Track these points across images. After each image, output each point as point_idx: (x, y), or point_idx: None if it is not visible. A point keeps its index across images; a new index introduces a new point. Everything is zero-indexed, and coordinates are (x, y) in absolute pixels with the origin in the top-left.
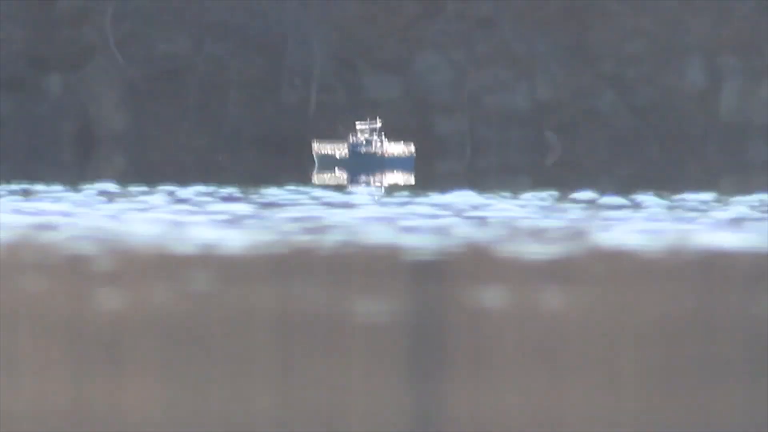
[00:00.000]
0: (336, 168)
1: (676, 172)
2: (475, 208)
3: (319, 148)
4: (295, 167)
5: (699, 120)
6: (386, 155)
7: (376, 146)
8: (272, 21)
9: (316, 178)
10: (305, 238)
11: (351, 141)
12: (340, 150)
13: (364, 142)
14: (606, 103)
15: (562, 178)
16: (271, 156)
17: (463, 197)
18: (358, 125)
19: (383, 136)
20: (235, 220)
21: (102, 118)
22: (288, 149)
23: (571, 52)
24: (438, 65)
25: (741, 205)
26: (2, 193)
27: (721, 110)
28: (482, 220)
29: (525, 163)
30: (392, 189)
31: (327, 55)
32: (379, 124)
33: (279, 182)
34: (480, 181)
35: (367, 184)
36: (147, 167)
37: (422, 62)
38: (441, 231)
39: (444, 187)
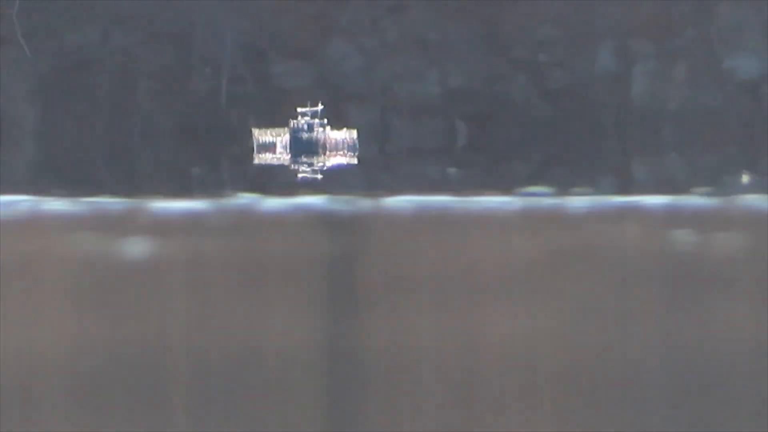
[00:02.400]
0: (276, 153)
1: (586, 157)
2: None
3: (259, 134)
4: (209, 158)
5: (611, 104)
6: (329, 140)
7: (318, 131)
8: (181, 10)
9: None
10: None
11: (292, 126)
12: (280, 135)
13: (305, 127)
14: (518, 89)
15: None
16: (185, 147)
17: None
18: (299, 110)
19: (325, 121)
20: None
21: (10, 111)
22: (200, 140)
23: (483, 38)
24: (349, 53)
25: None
26: None
27: (633, 94)
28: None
29: (436, 151)
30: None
31: (237, 44)
32: (320, 108)
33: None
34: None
35: (310, 166)
36: (60, 160)
37: (333, 50)
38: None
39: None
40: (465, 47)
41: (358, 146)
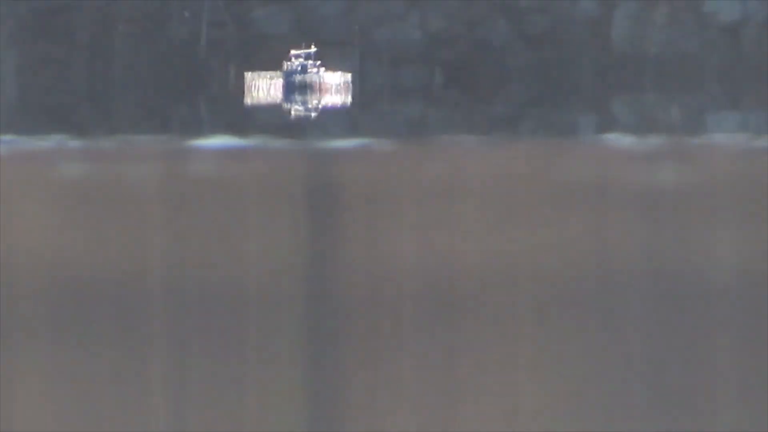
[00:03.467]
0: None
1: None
2: None
3: (252, 78)
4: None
5: (592, 48)
6: (323, 83)
7: (312, 73)
8: None
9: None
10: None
11: (286, 68)
12: (274, 78)
13: (299, 69)
14: (499, 34)
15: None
16: (165, 90)
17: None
18: (293, 52)
19: (318, 63)
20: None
21: None
22: (180, 87)
23: None
24: None
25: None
26: None
27: (613, 37)
28: None
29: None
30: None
31: None
32: (314, 50)
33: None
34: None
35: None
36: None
37: None
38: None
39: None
40: None
41: (351, 88)
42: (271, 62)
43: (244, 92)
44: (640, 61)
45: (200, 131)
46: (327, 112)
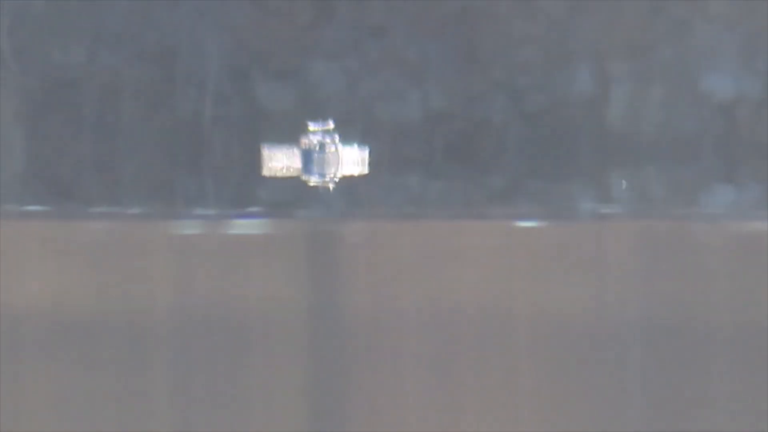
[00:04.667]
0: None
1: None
2: None
3: (268, 154)
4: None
5: (588, 126)
6: (341, 160)
7: (330, 150)
8: (166, 29)
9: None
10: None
11: (303, 145)
12: (291, 155)
13: (317, 146)
14: (498, 111)
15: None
16: (170, 167)
17: None
18: (311, 126)
19: (337, 139)
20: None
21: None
22: (184, 160)
23: (463, 59)
24: (330, 74)
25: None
26: None
27: (610, 115)
28: None
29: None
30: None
31: (221, 64)
32: (332, 125)
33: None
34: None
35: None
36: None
37: (315, 71)
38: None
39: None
40: (445, 68)
41: (368, 162)
42: (275, 136)
43: (250, 165)
44: (636, 139)
45: (205, 203)
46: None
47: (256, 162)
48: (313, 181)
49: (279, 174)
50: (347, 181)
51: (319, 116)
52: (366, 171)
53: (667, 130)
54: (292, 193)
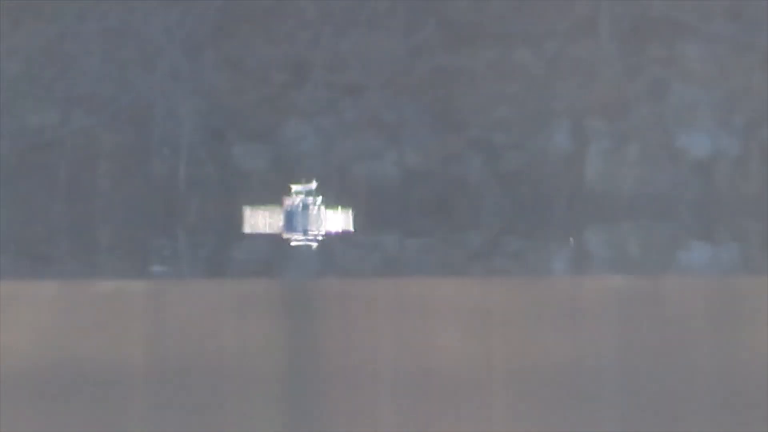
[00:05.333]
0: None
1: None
2: None
3: (251, 215)
4: (168, 240)
5: (565, 184)
6: (323, 220)
7: (313, 212)
8: (141, 91)
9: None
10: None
11: (286, 207)
12: (273, 218)
13: (301, 207)
14: (474, 170)
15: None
16: (144, 229)
17: None
18: (294, 188)
19: (319, 200)
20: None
21: None
22: (159, 222)
23: (439, 119)
24: (306, 133)
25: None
26: None
27: (587, 173)
28: None
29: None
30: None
31: (195, 126)
32: (314, 185)
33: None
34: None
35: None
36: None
37: (290, 131)
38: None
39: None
40: (421, 128)
41: (353, 225)
42: (250, 197)
43: (226, 226)
44: (613, 197)
45: (180, 265)
46: (304, 246)
47: (232, 223)
48: (296, 240)
49: (261, 233)
50: (326, 242)
51: (295, 176)
52: (349, 231)
53: (644, 187)
54: (268, 254)
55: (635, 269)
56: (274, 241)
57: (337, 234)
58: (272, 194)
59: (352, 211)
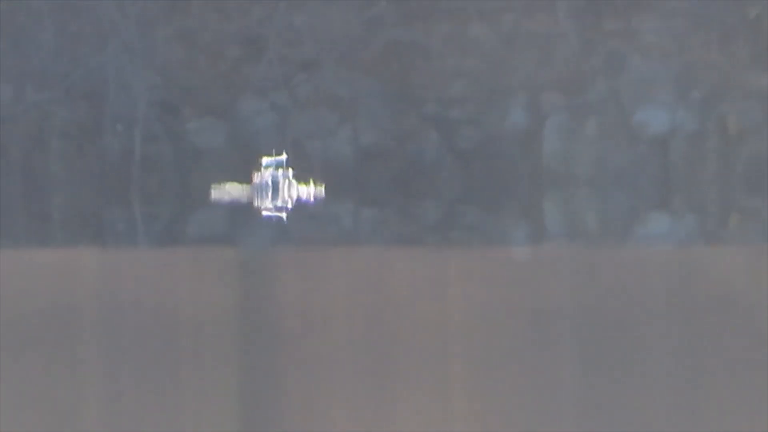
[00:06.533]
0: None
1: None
2: None
3: (219, 190)
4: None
5: (523, 160)
6: (293, 195)
7: (282, 185)
8: (94, 67)
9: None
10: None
11: (256, 180)
12: (243, 191)
13: (270, 180)
14: (431, 147)
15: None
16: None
17: None
18: (264, 161)
19: (290, 173)
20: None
21: None
22: (113, 197)
23: (394, 95)
24: (261, 110)
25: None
26: None
27: (544, 149)
28: None
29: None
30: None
31: (150, 101)
32: (284, 157)
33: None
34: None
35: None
36: None
37: (245, 107)
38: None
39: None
40: (376, 104)
41: (324, 198)
42: (204, 173)
43: (180, 201)
44: (571, 170)
45: (134, 239)
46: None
47: (186, 198)
48: (266, 210)
49: (224, 204)
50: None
51: (251, 152)
52: (314, 202)
53: (602, 161)
54: (224, 226)
55: (593, 241)
56: (231, 213)
57: (305, 204)
58: (229, 171)
59: (311, 184)
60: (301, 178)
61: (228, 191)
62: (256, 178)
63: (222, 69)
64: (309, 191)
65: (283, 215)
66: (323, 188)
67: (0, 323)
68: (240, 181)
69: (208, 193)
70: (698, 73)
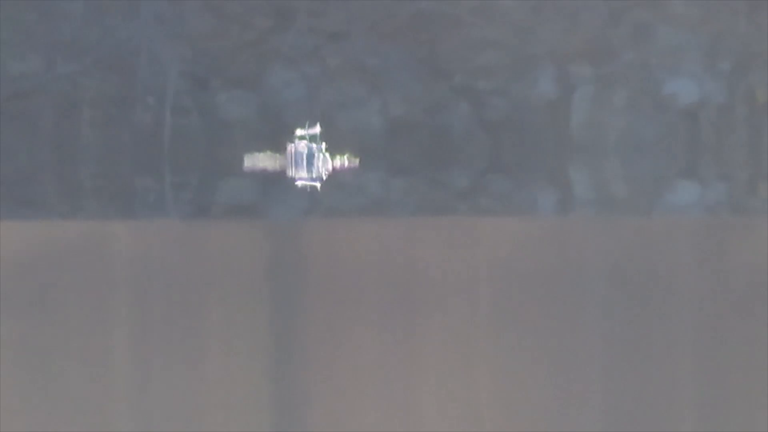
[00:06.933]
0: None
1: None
2: None
3: (252, 160)
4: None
5: (551, 130)
6: (328, 167)
7: (317, 157)
8: (123, 38)
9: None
10: None
11: (289, 151)
12: (276, 161)
13: (305, 152)
14: (460, 117)
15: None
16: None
17: None
18: (297, 132)
19: (323, 145)
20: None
21: None
22: (143, 168)
23: (423, 65)
24: (290, 80)
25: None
26: None
27: (572, 119)
28: None
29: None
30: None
31: (179, 72)
32: (318, 130)
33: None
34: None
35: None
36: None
37: (275, 78)
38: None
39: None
40: (406, 74)
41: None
42: (233, 143)
43: (209, 171)
44: (599, 140)
45: (165, 211)
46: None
47: (215, 168)
48: (300, 181)
49: (261, 175)
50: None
51: (281, 124)
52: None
53: (631, 130)
54: (253, 197)
55: (622, 210)
56: (261, 183)
57: (337, 175)
58: (258, 142)
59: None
60: (331, 149)
61: (259, 161)
62: (290, 149)
63: (250, 39)
64: (342, 162)
65: (317, 185)
66: (357, 160)
67: (32, 293)
68: (272, 151)
69: (238, 164)
70: (726, 43)
